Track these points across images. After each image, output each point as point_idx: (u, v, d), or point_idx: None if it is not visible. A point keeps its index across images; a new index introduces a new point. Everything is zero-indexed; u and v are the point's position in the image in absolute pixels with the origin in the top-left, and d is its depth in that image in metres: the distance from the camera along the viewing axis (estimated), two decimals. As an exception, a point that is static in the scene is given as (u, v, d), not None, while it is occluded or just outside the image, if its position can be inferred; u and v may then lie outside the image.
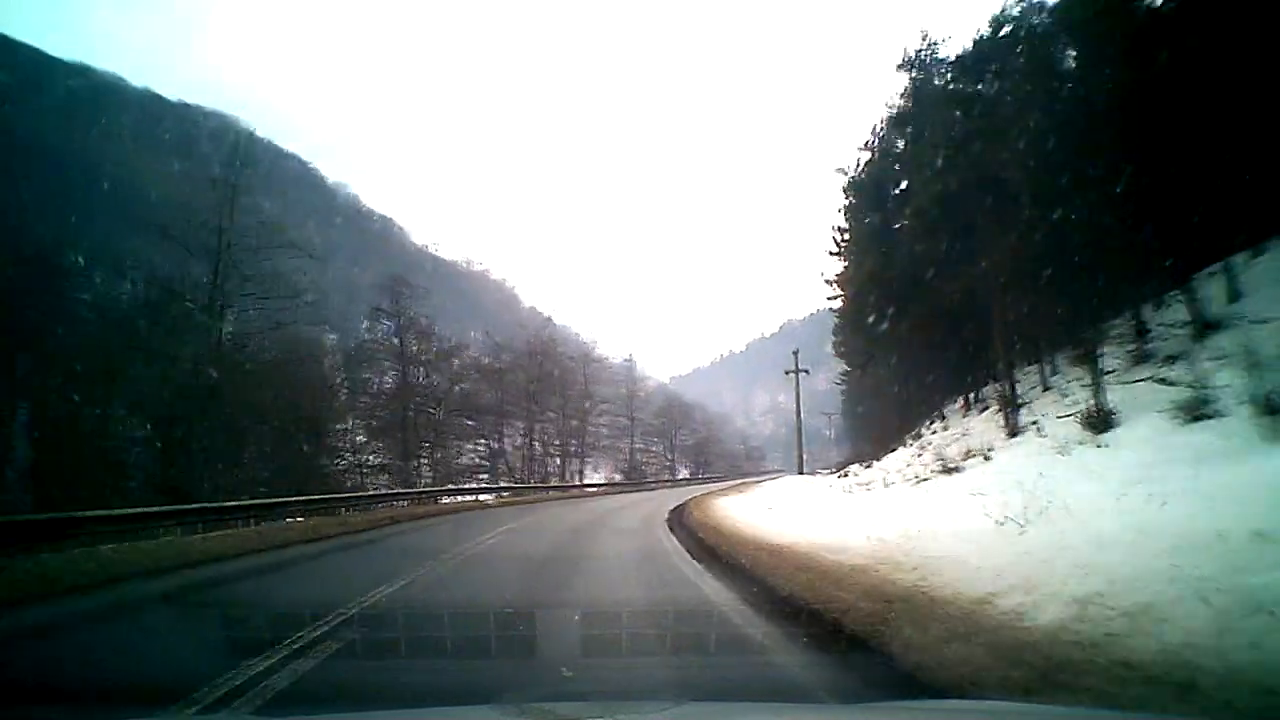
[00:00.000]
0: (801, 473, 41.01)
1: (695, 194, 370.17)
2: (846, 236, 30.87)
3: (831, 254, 30.20)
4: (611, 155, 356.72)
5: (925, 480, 13.69)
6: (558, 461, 43.63)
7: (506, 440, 41.74)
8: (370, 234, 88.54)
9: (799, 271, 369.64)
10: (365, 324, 40.00)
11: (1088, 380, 12.23)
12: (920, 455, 17.47)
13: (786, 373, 43.24)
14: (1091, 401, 11.12)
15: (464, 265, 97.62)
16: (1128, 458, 8.42)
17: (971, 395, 21.36)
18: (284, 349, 25.77)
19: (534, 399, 39.77)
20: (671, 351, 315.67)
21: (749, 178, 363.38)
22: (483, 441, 40.53)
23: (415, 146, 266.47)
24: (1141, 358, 12.02)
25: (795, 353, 43.19)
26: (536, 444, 41.29)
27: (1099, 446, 9.79)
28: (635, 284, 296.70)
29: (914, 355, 24.04)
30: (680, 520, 14.57)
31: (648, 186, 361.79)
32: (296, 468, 26.14)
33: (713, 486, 39.21)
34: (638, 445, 56.02)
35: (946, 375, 23.30)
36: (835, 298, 31.68)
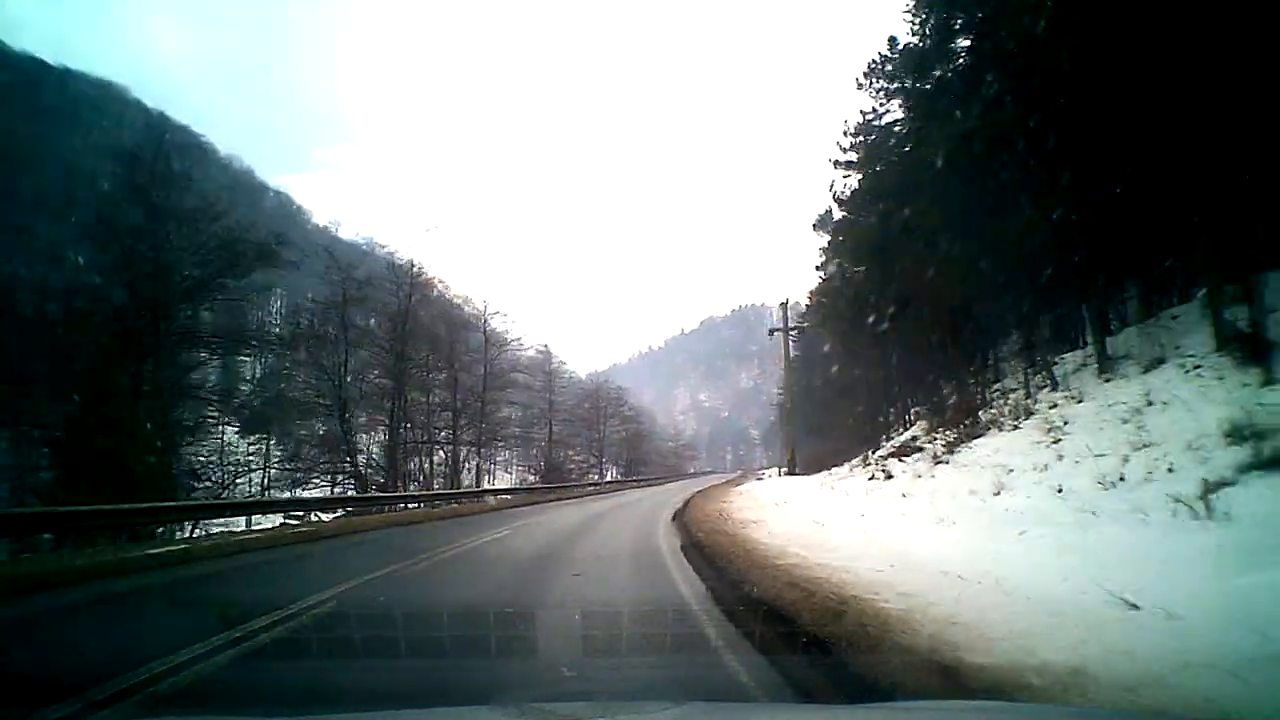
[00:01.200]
0: (793, 472, 29.22)
1: (615, 182, 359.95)
2: (857, 141, 23.38)
3: (838, 164, 24.37)
4: (529, 144, 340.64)
5: (1228, 484, 5.54)
6: (442, 456, 29.28)
7: (360, 431, 27.03)
8: (264, 212, 75.54)
9: (720, 268, 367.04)
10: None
11: None
12: (1059, 439, 9.47)
13: (771, 333, 31.50)
14: None
15: (365, 247, 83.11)
16: None
17: (1090, 343, 13.01)
18: None
19: (401, 354, 25.35)
20: (587, 346, 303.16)
21: (672, 168, 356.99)
22: (319, 422, 25.95)
23: (319, 124, 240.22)
24: None
25: (784, 304, 31.28)
26: (405, 428, 26.75)
27: None
28: (549, 273, 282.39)
29: (964, 284, 14.99)
30: None
31: (566, 175, 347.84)
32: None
33: (687, 489, 26.58)
34: (557, 438, 42.35)
35: (1030, 308, 14.88)
36: (842, 218, 25.60)
